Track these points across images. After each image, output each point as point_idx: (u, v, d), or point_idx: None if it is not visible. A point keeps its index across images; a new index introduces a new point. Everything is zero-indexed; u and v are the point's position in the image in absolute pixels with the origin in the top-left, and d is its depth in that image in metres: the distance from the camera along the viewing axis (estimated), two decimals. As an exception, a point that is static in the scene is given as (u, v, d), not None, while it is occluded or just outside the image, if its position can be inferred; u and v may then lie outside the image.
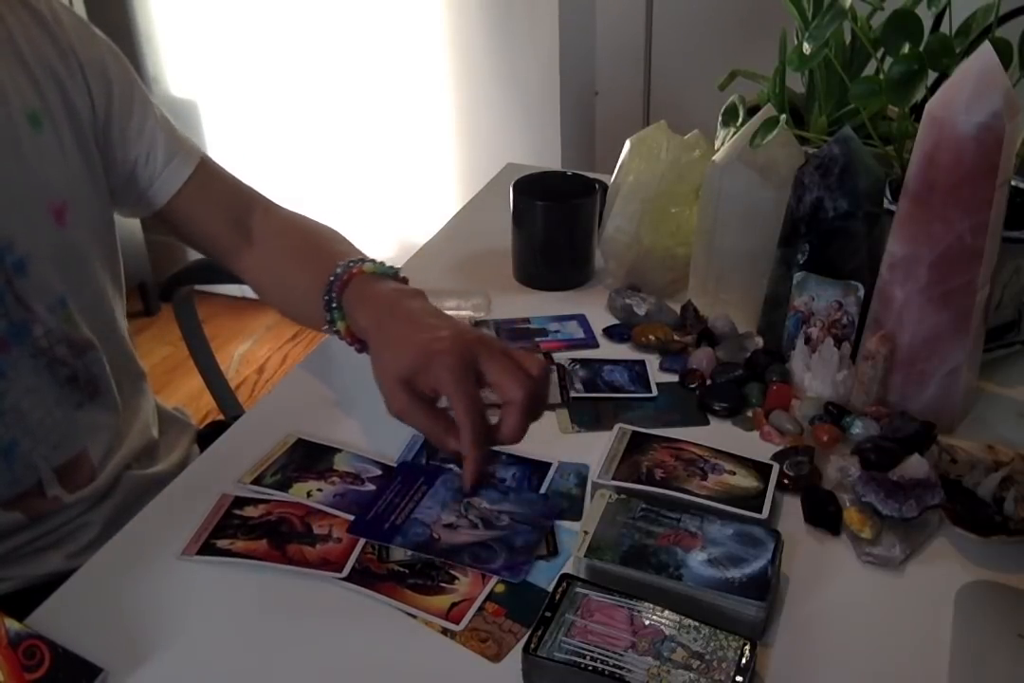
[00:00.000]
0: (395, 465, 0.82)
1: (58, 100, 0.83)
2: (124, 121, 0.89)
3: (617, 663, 0.60)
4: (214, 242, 0.97)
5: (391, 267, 0.86)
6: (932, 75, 0.82)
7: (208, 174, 0.95)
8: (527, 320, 1.03)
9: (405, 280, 0.86)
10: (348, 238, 0.96)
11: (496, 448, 0.83)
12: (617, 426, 0.83)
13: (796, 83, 0.97)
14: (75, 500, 0.89)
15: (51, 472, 0.87)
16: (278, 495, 0.79)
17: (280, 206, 0.99)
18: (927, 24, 0.81)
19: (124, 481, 0.94)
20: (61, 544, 0.89)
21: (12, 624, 0.65)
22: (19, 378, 0.82)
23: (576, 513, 0.77)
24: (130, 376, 0.98)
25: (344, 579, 0.71)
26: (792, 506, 0.77)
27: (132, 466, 0.96)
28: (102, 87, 0.86)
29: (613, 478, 0.76)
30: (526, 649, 0.62)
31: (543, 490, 0.79)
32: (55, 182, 0.83)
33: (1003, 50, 0.76)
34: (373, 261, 0.86)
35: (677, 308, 1.00)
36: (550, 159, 2.12)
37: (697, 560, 0.67)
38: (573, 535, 0.73)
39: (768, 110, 0.90)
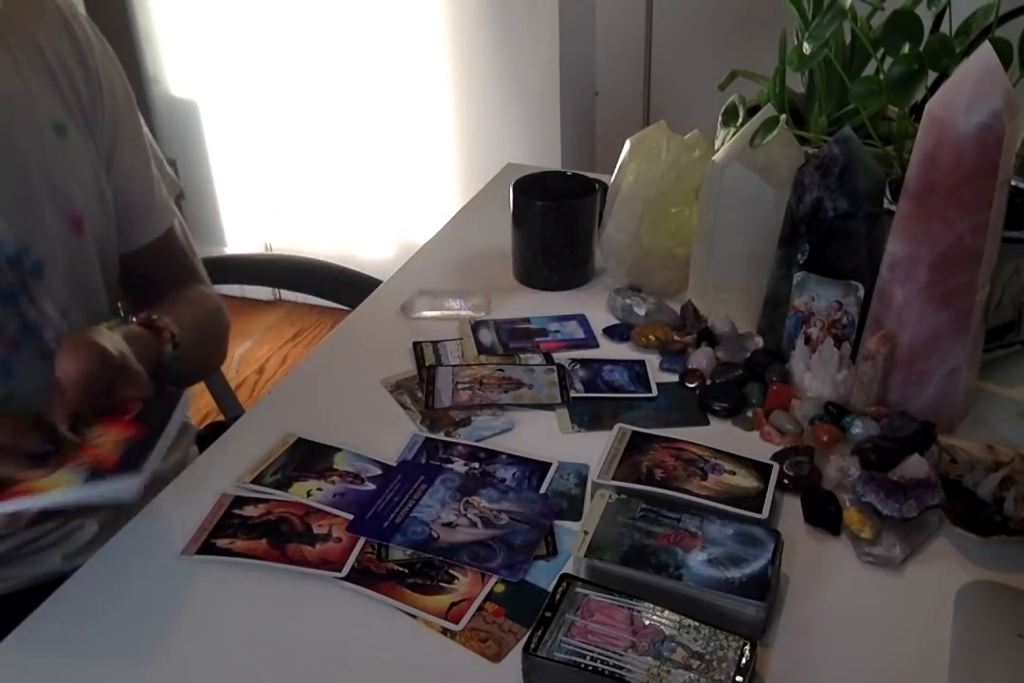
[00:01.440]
0: (395, 464, 0.82)
1: (80, 117, 0.85)
2: (124, 155, 0.90)
3: (617, 663, 0.60)
4: (145, 298, 0.97)
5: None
6: (932, 75, 0.82)
7: (172, 240, 0.96)
8: (527, 320, 1.03)
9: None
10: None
11: (497, 449, 0.84)
12: (617, 426, 0.83)
13: (796, 83, 0.97)
14: None
15: None
16: (278, 494, 0.79)
17: (208, 287, 1.01)
18: (927, 24, 0.81)
19: None
20: (59, 544, 0.89)
21: None
22: (28, 379, 0.83)
23: (576, 513, 0.77)
24: None
25: (344, 579, 0.71)
26: (792, 506, 0.77)
27: None
28: (113, 117, 0.88)
29: (613, 478, 0.76)
30: (526, 649, 0.62)
31: (543, 490, 0.79)
32: (74, 192, 0.85)
33: (1003, 50, 0.76)
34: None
35: (677, 308, 1.00)
36: (550, 159, 2.12)
37: (697, 560, 0.67)
38: (573, 535, 0.73)
39: (768, 110, 0.90)
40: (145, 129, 0.94)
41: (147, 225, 0.94)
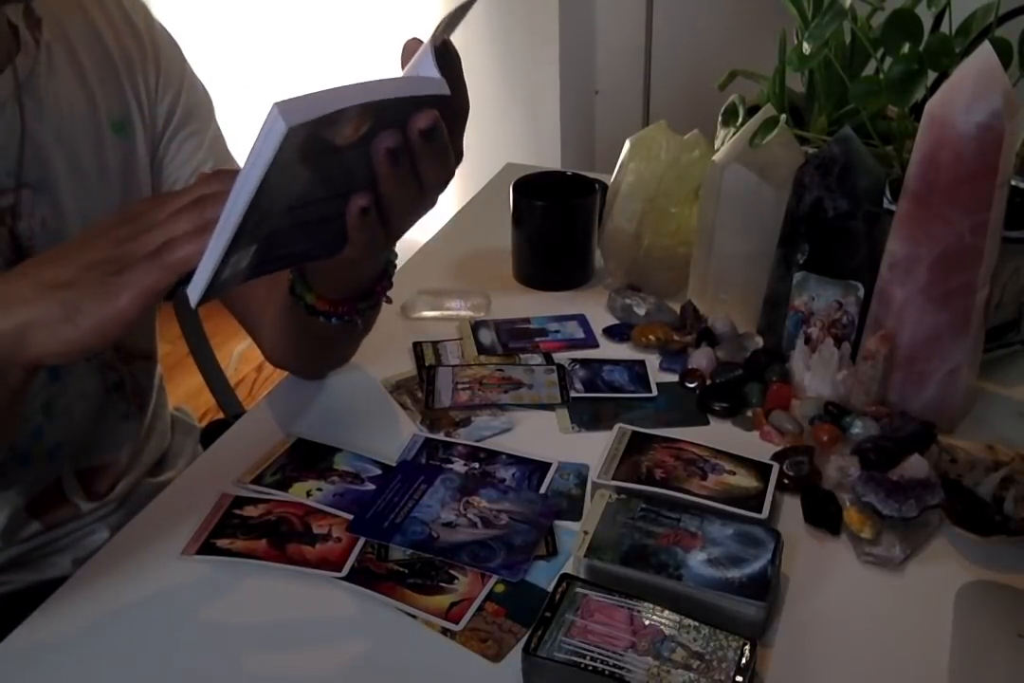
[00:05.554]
0: (395, 464, 0.82)
1: (137, 112, 0.83)
2: (176, 143, 0.88)
3: (617, 663, 0.60)
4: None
5: None
6: (932, 75, 0.82)
7: None
8: (527, 320, 1.03)
9: None
10: None
11: (497, 449, 0.84)
12: (617, 426, 0.83)
13: (796, 83, 0.97)
14: (93, 508, 0.90)
15: (73, 477, 0.87)
16: (278, 495, 0.79)
17: None
18: (927, 24, 0.81)
19: (140, 490, 0.94)
20: (70, 549, 0.90)
21: None
22: (71, 384, 0.83)
23: (576, 513, 0.77)
24: (159, 387, 0.98)
25: (344, 579, 0.71)
26: (792, 506, 0.77)
27: (147, 475, 0.96)
28: (170, 106, 0.87)
29: (613, 478, 0.76)
30: (526, 649, 0.62)
31: (543, 490, 0.79)
32: (128, 190, 0.84)
33: (1003, 50, 0.76)
34: None
35: (677, 308, 1.00)
36: (550, 159, 2.12)
37: (697, 560, 0.67)
38: (573, 535, 0.73)
39: (768, 110, 0.90)
40: (215, 122, 0.91)
41: None
